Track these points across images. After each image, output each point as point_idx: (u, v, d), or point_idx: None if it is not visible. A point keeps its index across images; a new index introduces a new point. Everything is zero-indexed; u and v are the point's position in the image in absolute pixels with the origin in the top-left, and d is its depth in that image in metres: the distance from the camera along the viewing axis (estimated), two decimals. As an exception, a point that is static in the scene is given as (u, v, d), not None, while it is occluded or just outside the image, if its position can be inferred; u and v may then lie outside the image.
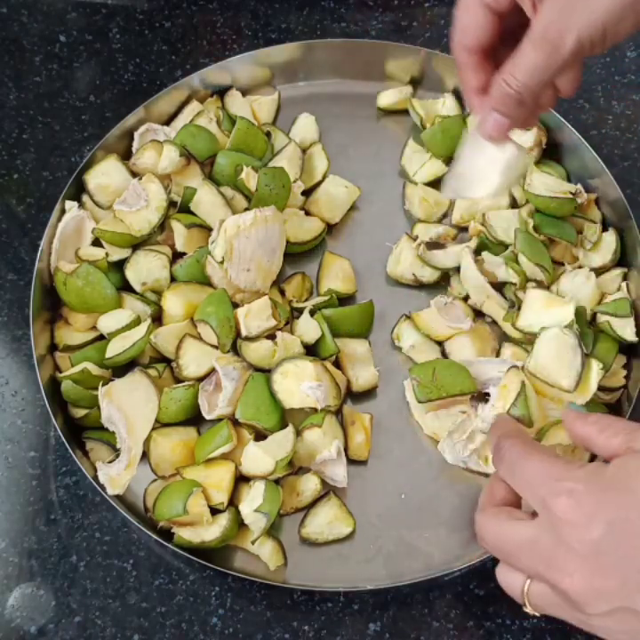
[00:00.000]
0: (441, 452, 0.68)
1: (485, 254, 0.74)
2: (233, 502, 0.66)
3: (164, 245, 0.75)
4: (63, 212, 0.75)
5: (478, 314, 0.75)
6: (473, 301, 0.74)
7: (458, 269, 0.75)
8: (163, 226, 0.75)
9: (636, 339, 0.71)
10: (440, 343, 0.74)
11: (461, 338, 0.73)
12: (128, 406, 0.66)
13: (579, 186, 0.75)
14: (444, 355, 0.73)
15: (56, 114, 0.87)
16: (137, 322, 0.70)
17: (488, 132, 0.60)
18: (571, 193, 0.74)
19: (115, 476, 0.65)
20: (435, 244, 0.77)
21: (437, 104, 0.84)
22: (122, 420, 0.66)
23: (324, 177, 0.81)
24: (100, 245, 0.74)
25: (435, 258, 0.76)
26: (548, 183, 0.75)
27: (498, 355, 0.73)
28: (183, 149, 0.75)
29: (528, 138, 0.78)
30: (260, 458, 0.64)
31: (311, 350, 0.72)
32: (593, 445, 0.52)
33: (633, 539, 0.45)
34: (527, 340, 0.71)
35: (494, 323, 0.75)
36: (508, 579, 0.52)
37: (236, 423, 0.67)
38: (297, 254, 0.78)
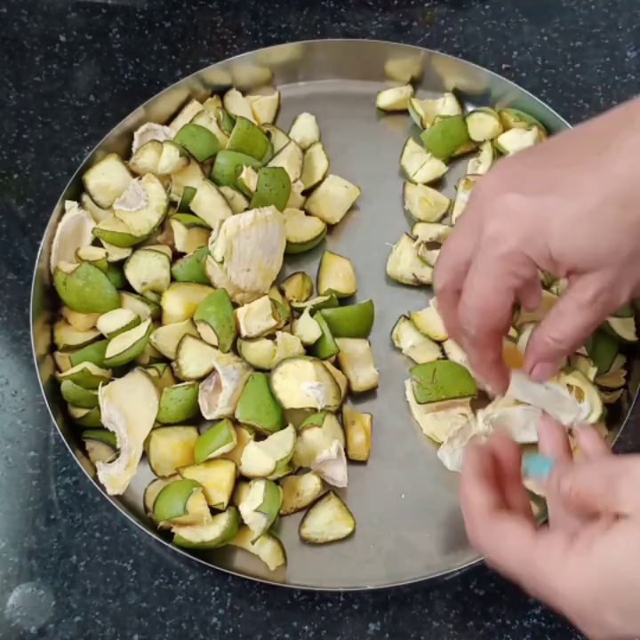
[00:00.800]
0: (441, 458, 0.68)
1: None
2: (233, 502, 0.66)
3: (164, 245, 0.75)
4: (63, 211, 0.75)
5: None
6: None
7: None
8: (163, 226, 0.75)
9: (636, 339, 0.71)
10: (439, 343, 0.74)
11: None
12: (128, 406, 0.66)
13: None
14: (444, 354, 0.73)
15: (56, 114, 0.87)
16: (137, 322, 0.70)
17: (538, 379, 0.61)
18: None
19: (115, 476, 0.65)
20: (435, 244, 0.77)
21: (437, 104, 0.84)
22: (122, 420, 0.66)
23: (324, 177, 0.81)
24: (100, 245, 0.74)
25: (435, 258, 0.76)
26: None
27: None
28: (183, 149, 0.75)
29: (528, 137, 0.78)
30: (259, 458, 0.64)
31: (311, 350, 0.72)
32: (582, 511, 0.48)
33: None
34: None
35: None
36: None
37: (236, 423, 0.67)
38: (297, 254, 0.78)
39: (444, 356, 0.73)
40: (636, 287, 0.53)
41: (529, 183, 0.52)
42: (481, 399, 0.70)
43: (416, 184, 0.80)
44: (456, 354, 0.72)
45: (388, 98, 0.85)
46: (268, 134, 0.81)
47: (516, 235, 0.52)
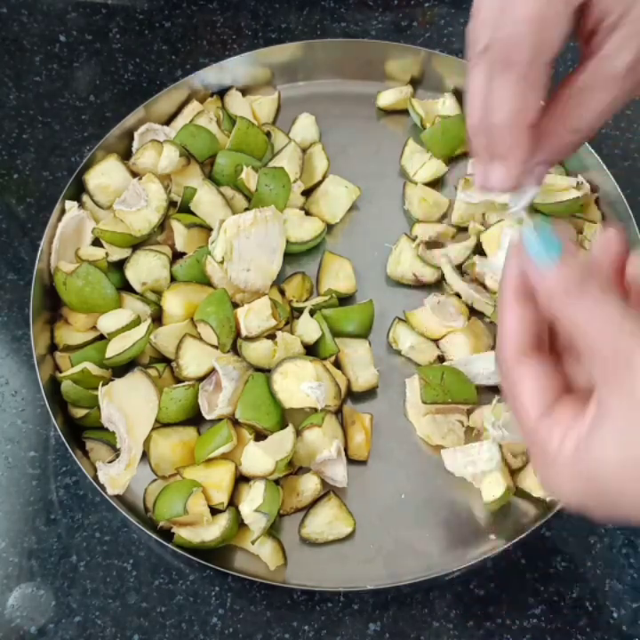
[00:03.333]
0: (443, 457, 0.68)
1: (477, 258, 0.74)
2: (233, 502, 0.66)
3: (164, 245, 0.75)
4: (63, 211, 0.75)
5: (473, 310, 0.75)
6: (465, 299, 0.75)
7: (459, 267, 0.75)
8: (163, 226, 0.75)
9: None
10: (436, 341, 0.74)
11: (456, 336, 0.73)
12: (128, 406, 0.66)
13: (579, 177, 0.75)
14: (442, 354, 0.73)
15: (56, 114, 0.87)
16: (137, 322, 0.70)
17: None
18: (573, 187, 0.74)
19: (115, 476, 0.65)
20: (434, 244, 0.77)
21: (437, 104, 0.84)
22: (122, 420, 0.66)
23: (324, 177, 0.81)
24: (100, 245, 0.74)
25: (435, 257, 0.76)
26: (548, 184, 0.75)
27: (494, 349, 0.73)
28: (183, 149, 0.75)
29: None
30: (259, 458, 0.64)
31: (311, 350, 0.72)
32: None
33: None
34: None
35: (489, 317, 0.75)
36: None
37: (236, 423, 0.67)
38: (297, 254, 0.78)
39: (442, 356, 0.73)
40: None
41: None
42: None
43: (416, 184, 0.80)
44: (454, 353, 0.72)
45: (387, 98, 0.85)
46: (268, 134, 0.81)
47: None
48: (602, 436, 0.39)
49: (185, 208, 0.75)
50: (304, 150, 0.82)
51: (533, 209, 0.42)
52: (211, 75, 0.84)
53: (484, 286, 0.74)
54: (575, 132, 0.45)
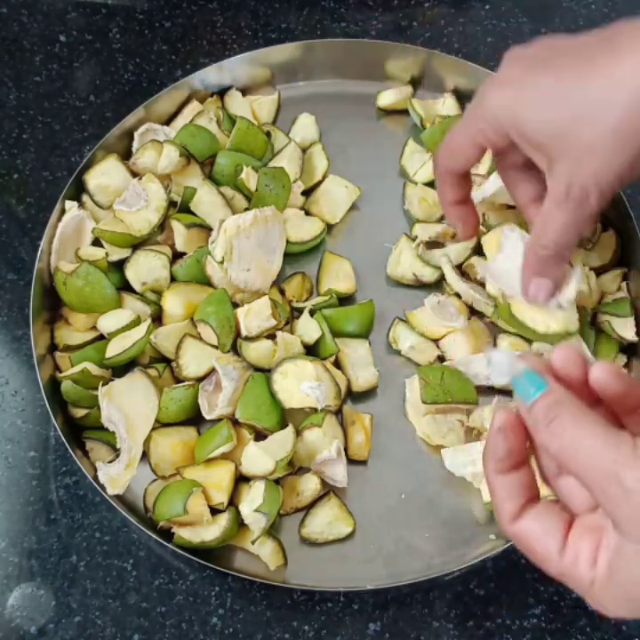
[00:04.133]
0: (442, 456, 0.68)
1: (475, 259, 0.74)
2: (233, 502, 0.66)
3: (164, 245, 0.75)
4: (63, 211, 0.75)
5: (473, 310, 0.75)
6: (465, 299, 0.75)
7: (459, 266, 0.75)
8: (163, 226, 0.75)
9: (636, 338, 0.71)
10: (436, 341, 0.74)
11: (456, 336, 0.73)
12: (128, 406, 0.66)
13: None
14: (442, 354, 0.73)
15: (56, 114, 0.87)
16: (137, 322, 0.70)
17: (535, 299, 0.64)
18: None
19: (115, 476, 0.65)
20: (434, 244, 0.77)
21: (437, 104, 0.84)
22: (122, 420, 0.66)
23: (324, 177, 0.81)
24: (100, 245, 0.74)
25: (435, 257, 0.76)
26: None
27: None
28: (183, 149, 0.75)
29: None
30: (259, 458, 0.64)
31: (311, 350, 0.72)
32: None
33: None
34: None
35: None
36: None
37: (236, 423, 0.67)
38: (297, 254, 0.78)
39: (442, 355, 0.73)
40: (605, 191, 0.55)
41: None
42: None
43: (416, 184, 0.80)
44: (454, 353, 0.72)
45: (387, 98, 0.85)
46: (268, 134, 0.81)
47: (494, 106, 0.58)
48: (627, 559, 0.40)
49: (185, 208, 0.75)
50: (304, 150, 0.82)
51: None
52: (211, 75, 0.83)
53: (484, 286, 0.74)
54: (548, 246, 0.60)
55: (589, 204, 0.56)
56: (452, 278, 0.74)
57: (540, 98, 0.55)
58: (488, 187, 0.74)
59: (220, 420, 0.67)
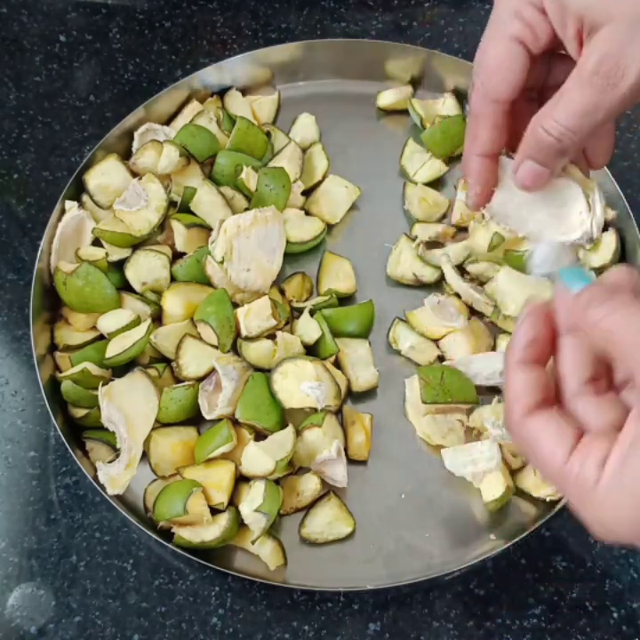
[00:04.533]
0: (442, 456, 0.68)
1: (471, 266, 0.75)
2: (233, 502, 0.66)
3: (164, 245, 0.75)
4: (63, 211, 0.75)
5: (473, 310, 0.75)
6: (465, 299, 0.75)
7: (459, 267, 0.75)
8: (163, 226, 0.75)
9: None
10: (436, 341, 0.74)
11: (456, 335, 0.73)
12: (128, 406, 0.66)
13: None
14: (442, 354, 0.73)
15: (56, 114, 0.87)
16: (137, 322, 0.70)
17: (523, 182, 0.53)
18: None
19: (115, 476, 0.65)
20: (434, 243, 0.77)
21: (437, 104, 0.84)
22: (122, 420, 0.66)
23: (324, 177, 0.81)
24: (100, 245, 0.74)
25: (435, 257, 0.76)
26: None
27: (494, 349, 0.73)
28: (183, 149, 0.75)
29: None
30: (259, 458, 0.64)
31: (311, 350, 0.72)
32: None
33: None
34: None
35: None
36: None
37: (236, 423, 0.67)
38: (297, 254, 0.78)
39: (442, 355, 0.73)
40: None
41: None
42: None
43: (416, 184, 0.80)
44: (454, 353, 0.72)
45: (387, 98, 0.85)
46: (268, 134, 0.81)
47: None
48: None
49: (185, 208, 0.75)
50: (304, 150, 0.82)
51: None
52: (211, 75, 0.84)
53: (483, 286, 0.74)
54: (549, 130, 0.49)
55: (620, 87, 0.46)
56: (452, 278, 0.74)
57: None
58: None
59: (220, 420, 0.67)
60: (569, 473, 0.40)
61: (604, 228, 0.76)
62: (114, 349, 0.68)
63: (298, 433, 0.66)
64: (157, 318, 0.72)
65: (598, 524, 0.40)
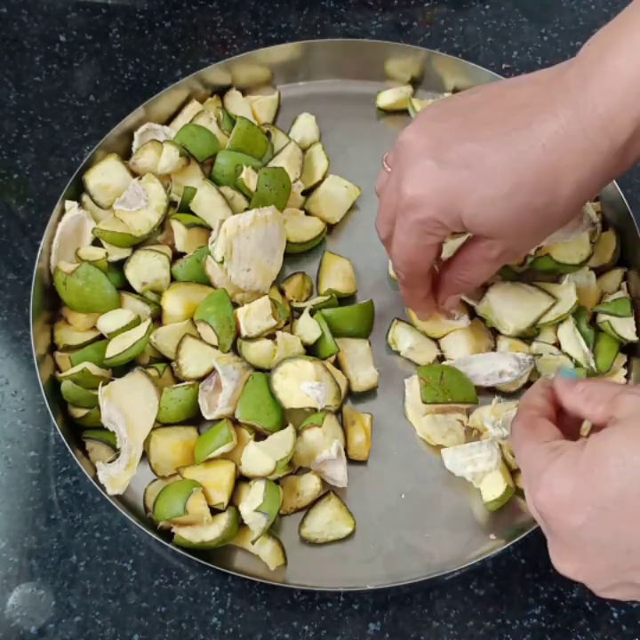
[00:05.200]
0: (442, 456, 0.68)
1: None
2: (233, 502, 0.66)
3: (164, 245, 0.75)
4: (63, 211, 0.75)
5: (473, 310, 0.75)
6: (464, 299, 0.75)
7: None
8: (163, 226, 0.75)
9: (636, 338, 0.71)
10: (436, 340, 0.74)
11: (456, 335, 0.73)
12: (128, 406, 0.66)
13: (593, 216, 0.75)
14: (442, 353, 0.73)
15: (56, 114, 0.87)
16: (137, 322, 0.70)
17: (449, 308, 0.71)
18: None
19: (115, 476, 0.65)
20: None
21: (437, 104, 0.84)
22: (122, 420, 0.66)
23: (324, 177, 0.81)
24: (100, 245, 0.74)
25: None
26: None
27: (494, 350, 0.73)
28: (183, 149, 0.75)
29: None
30: (259, 458, 0.64)
31: (311, 350, 0.72)
32: (583, 416, 0.53)
33: (612, 526, 0.45)
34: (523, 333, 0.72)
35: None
36: None
37: (236, 423, 0.67)
38: (297, 254, 0.78)
39: (442, 355, 0.73)
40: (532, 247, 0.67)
41: (447, 151, 0.55)
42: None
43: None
44: (454, 353, 0.72)
45: (387, 98, 0.85)
46: (268, 134, 0.81)
47: (431, 204, 0.56)
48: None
49: (185, 208, 0.75)
50: (304, 150, 0.82)
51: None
52: (211, 75, 0.83)
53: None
54: (463, 282, 0.65)
55: (515, 260, 0.68)
56: None
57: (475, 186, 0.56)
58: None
59: (220, 420, 0.67)
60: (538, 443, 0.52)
61: (604, 228, 0.76)
62: (114, 349, 0.68)
63: (298, 433, 0.66)
64: (157, 318, 0.72)
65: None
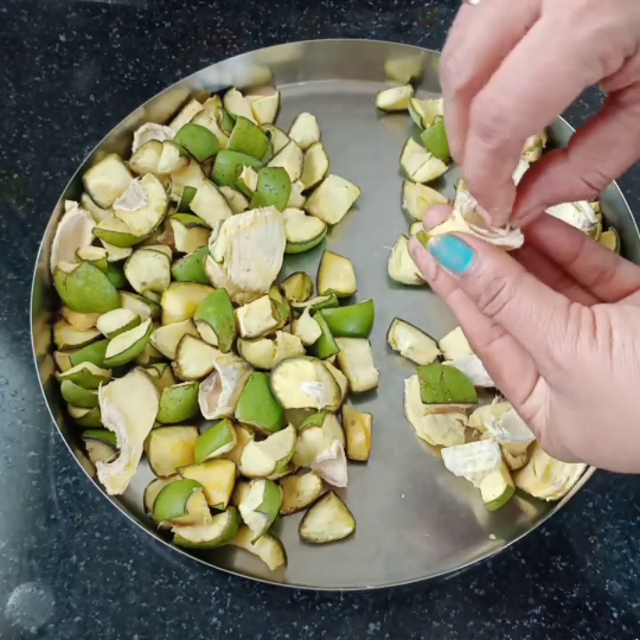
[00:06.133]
0: (442, 456, 0.68)
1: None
2: (233, 502, 0.66)
3: (164, 245, 0.75)
4: (63, 212, 0.75)
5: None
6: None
7: None
8: (163, 226, 0.75)
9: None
10: (436, 340, 0.74)
11: (456, 335, 0.73)
12: (128, 406, 0.66)
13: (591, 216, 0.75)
14: (442, 353, 0.73)
15: (56, 114, 0.88)
16: (137, 322, 0.70)
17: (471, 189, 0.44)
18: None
19: (115, 476, 0.65)
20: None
21: (437, 104, 0.84)
22: (122, 420, 0.66)
23: (324, 177, 0.81)
24: (100, 245, 0.74)
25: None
26: None
27: None
28: (183, 149, 0.75)
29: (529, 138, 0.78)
30: (259, 458, 0.64)
31: (311, 350, 0.72)
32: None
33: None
34: None
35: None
36: None
37: (235, 423, 0.67)
38: (297, 254, 0.78)
39: (442, 355, 0.73)
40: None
41: None
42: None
43: (414, 183, 0.80)
44: (453, 353, 0.72)
45: (387, 98, 0.85)
46: (268, 134, 0.81)
47: (613, 8, 0.35)
48: (558, 418, 0.44)
49: (185, 208, 0.75)
50: (304, 150, 0.82)
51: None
52: (211, 75, 0.84)
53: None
54: (592, 184, 0.43)
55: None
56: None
57: None
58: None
59: (220, 419, 0.67)
60: (525, 415, 0.46)
61: (604, 228, 0.76)
62: (114, 349, 0.68)
63: (298, 433, 0.66)
64: (157, 318, 0.72)
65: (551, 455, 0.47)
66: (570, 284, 0.49)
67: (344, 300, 0.76)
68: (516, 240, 0.45)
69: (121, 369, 0.69)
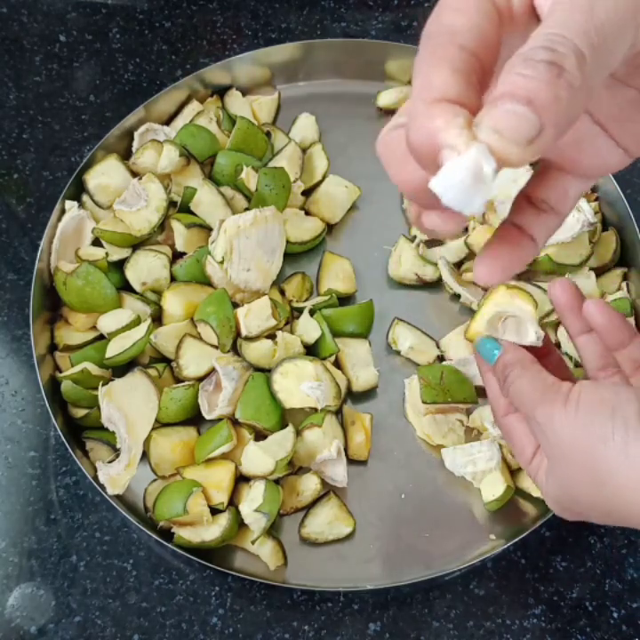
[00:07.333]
0: (442, 456, 0.68)
1: (469, 263, 0.75)
2: (233, 502, 0.66)
3: (164, 245, 0.75)
4: (63, 212, 0.75)
5: (473, 311, 0.75)
6: (463, 301, 0.75)
7: (458, 265, 0.75)
8: (163, 226, 0.75)
9: (636, 339, 0.71)
10: (436, 340, 0.74)
11: (457, 335, 0.73)
12: (128, 406, 0.66)
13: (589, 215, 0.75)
14: (442, 354, 0.73)
15: (56, 114, 0.87)
16: (137, 322, 0.70)
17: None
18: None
19: (115, 476, 0.65)
20: (434, 242, 0.77)
21: (437, 104, 0.84)
22: (122, 420, 0.66)
23: (324, 177, 0.81)
24: (100, 245, 0.74)
25: (435, 255, 0.76)
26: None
27: None
28: (183, 149, 0.75)
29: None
30: (259, 458, 0.64)
31: (311, 350, 0.72)
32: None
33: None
34: None
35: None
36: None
37: (235, 423, 0.67)
38: (297, 254, 0.78)
39: (442, 355, 0.73)
40: None
41: None
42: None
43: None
44: (453, 353, 0.72)
45: (387, 98, 0.85)
46: (268, 134, 0.81)
47: None
48: (551, 481, 0.53)
49: (185, 208, 0.75)
50: (304, 150, 0.82)
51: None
52: (211, 75, 0.83)
53: (486, 290, 0.74)
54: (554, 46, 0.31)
55: None
56: (450, 280, 0.74)
57: None
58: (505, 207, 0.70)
59: (220, 419, 0.67)
60: (531, 472, 0.55)
61: (604, 228, 0.76)
62: (114, 349, 0.68)
63: (298, 433, 0.66)
64: (157, 318, 0.72)
65: (553, 504, 0.54)
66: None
67: (344, 300, 0.76)
68: (537, 342, 0.58)
69: (121, 369, 0.69)
